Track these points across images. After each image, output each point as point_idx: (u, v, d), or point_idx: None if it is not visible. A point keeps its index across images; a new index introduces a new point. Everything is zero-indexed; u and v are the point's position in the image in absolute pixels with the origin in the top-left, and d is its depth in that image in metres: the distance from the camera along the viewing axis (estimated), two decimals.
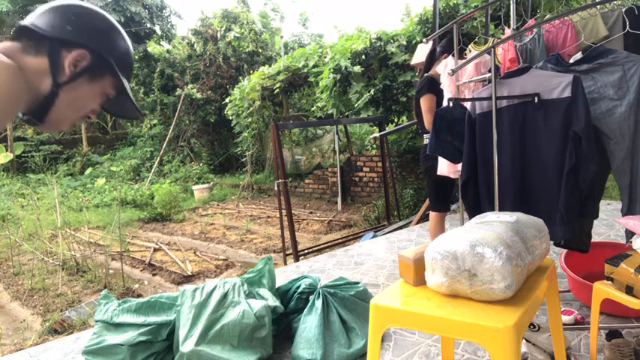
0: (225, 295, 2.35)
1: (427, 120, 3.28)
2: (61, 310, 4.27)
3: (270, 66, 10.88)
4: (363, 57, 7.47)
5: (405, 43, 7.06)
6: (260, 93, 10.50)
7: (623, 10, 2.40)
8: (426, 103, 3.28)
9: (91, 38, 0.96)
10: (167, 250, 6.31)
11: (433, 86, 3.28)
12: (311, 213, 8.53)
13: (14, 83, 0.83)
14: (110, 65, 0.98)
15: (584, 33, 2.48)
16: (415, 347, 2.31)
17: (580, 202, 2.15)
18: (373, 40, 7.41)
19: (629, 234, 2.30)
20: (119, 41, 1.01)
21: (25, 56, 0.91)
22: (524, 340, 1.86)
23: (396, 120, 7.51)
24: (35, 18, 0.93)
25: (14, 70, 0.85)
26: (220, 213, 9.11)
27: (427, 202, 5.64)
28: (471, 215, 2.44)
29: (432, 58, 3.57)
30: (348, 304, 2.47)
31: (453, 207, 5.46)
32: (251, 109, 10.66)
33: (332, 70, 7.56)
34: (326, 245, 5.54)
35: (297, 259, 4.76)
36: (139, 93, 18.29)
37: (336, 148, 8.78)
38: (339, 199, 8.66)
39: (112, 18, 1.03)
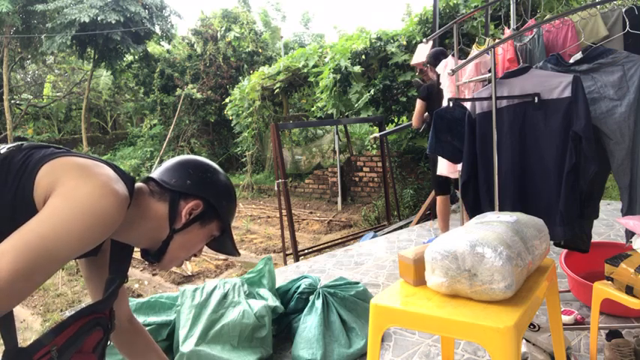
0: (225, 296, 2.35)
1: None
2: (61, 310, 4.27)
3: (270, 66, 10.88)
4: (363, 57, 7.47)
5: (405, 43, 7.06)
6: (260, 93, 10.50)
7: (623, 10, 2.40)
8: None
9: (206, 190, 1.11)
10: None
11: None
12: (311, 213, 8.53)
13: (123, 214, 0.96)
14: (218, 212, 1.13)
15: (584, 33, 2.48)
16: (415, 347, 2.31)
17: (580, 203, 2.14)
18: (373, 40, 7.41)
19: (629, 234, 2.29)
20: (226, 191, 1.17)
21: (149, 198, 1.09)
22: (524, 340, 1.86)
23: (396, 120, 7.50)
24: (162, 173, 1.12)
25: (127, 203, 0.98)
26: None
27: (427, 202, 5.64)
28: (471, 215, 2.44)
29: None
30: (348, 304, 2.47)
31: (453, 207, 5.46)
32: (251, 109, 10.65)
33: (332, 70, 7.56)
34: (326, 245, 5.54)
35: (297, 259, 4.76)
36: (139, 93, 18.30)
37: (336, 148, 8.78)
38: (339, 199, 8.66)
39: (220, 169, 1.19)
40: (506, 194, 2.31)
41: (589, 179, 2.08)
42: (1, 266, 0.79)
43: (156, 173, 1.13)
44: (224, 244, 1.20)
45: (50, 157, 0.95)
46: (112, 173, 0.98)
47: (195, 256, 1.19)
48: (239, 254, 1.31)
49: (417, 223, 5.43)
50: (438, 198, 4.06)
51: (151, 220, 1.07)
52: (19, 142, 1.00)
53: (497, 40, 2.61)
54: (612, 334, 2.00)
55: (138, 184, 1.11)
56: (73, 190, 0.89)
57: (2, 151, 0.95)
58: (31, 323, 4.10)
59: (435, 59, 3.85)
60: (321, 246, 5.55)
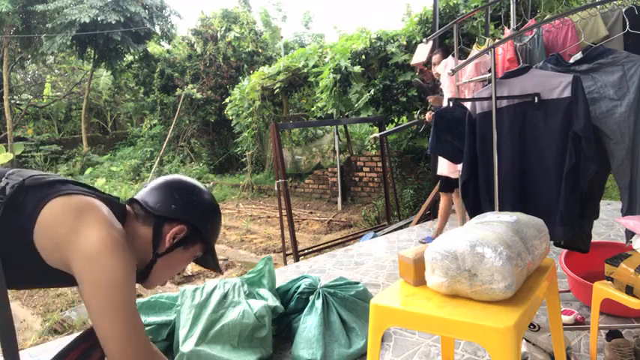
0: (225, 296, 2.35)
1: None
2: (61, 310, 4.27)
3: (270, 66, 10.87)
4: (363, 57, 7.47)
5: (405, 43, 7.06)
6: (260, 93, 10.49)
7: (623, 10, 2.40)
8: None
9: (190, 214, 1.12)
10: None
11: None
12: (311, 213, 8.53)
13: (127, 246, 1.01)
14: (202, 234, 1.14)
15: (584, 33, 2.48)
16: (415, 347, 2.31)
17: (580, 203, 2.14)
18: (373, 40, 7.41)
19: (629, 234, 2.29)
20: (211, 214, 1.17)
21: (134, 221, 1.10)
22: (524, 340, 1.86)
23: (396, 120, 7.50)
24: (146, 195, 1.12)
25: (124, 236, 1.02)
26: None
27: (427, 202, 5.64)
28: (471, 215, 2.44)
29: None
30: (348, 304, 2.47)
31: (453, 207, 5.46)
32: (251, 109, 10.65)
33: (332, 70, 7.55)
34: (326, 245, 5.53)
35: (297, 259, 4.76)
36: (139, 93, 18.30)
37: (336, 148, 8.78)
38: (339, 199, 8.66)
39: (205, 188, 1.19)
40: (506, 194, 2.31)
41: (589, 179, 2.08)
42: (118, 348, 0.93)
43: (140, 195, 1.14)
44: (207, 261, 1.23)
45: (47, 198, 0.99)
46: (105, 212, 1.02)
47: (178, 275, 1.21)
48: (222, 272, 1.36)
49: (417, 223, 5.43)
50: (446, 196, 4.07)
51: (135, 243, 1.09)
52: (21, 179, 1.02)
53: (497, 40, 2.61)
54: (612, 334, 2.00)
55: (126, 207, 1.13)
56: (88, 258, 0.95)
57: (7, 192, 0.98)
58: (31, 323, 4.10)
59: (445, 52, 3.88)
60: (321, 246, 5.55)
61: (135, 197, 1.14)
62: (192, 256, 1.17)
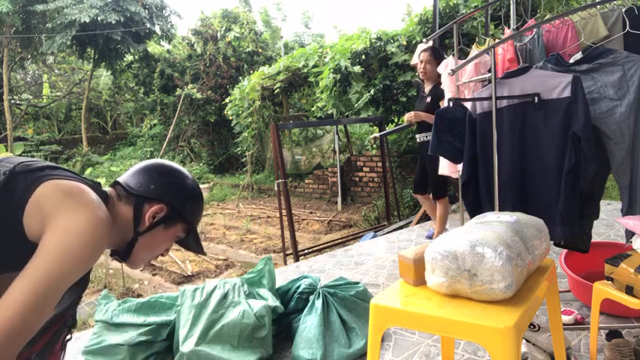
0: (225, 296, 2.35)
1: None
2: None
3: (270, 66, 10.87)
4: (363, 57, 7.47)
5: (405, 43, 7.06)
6: (260, 93, 10.49)
7: (623, 10, 2.40)
8: None
9: (169, 194, 1.16)
10: None
11: None
12: (311, 213, 8.53)
13: (109, 237, 1.04)
14: (182, 214, 1.18)
15: (584, 33, 2.48)
16: (415, 347, 2.31)
17: (580, 203, 2.14)
18: (373, 40, 7.41)
19: (629, 234, 2.29)
20: (192, 195, 1.21)
21: (117, 201, 1.14)
22: (524, 340, 1.86)
23: (396, 120, 7.50)
24: (128, 177, 1.17)
25: (110, 225, 1.04)
26: (220, 213, 9.11)
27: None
28: (471, 215, 2.44)
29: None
30: (348, 304, 2.47)
31: (453, 207, 5.46)
32: (251, 109, 10.65)
33: (332, 70, 7.55)
34: (326, 245, 5.53)
35: (297, 259, 4.76)
36: (139, 93, 18.31)
37: (336, 148, 8.78)
38: (339, 199, 8.66)
39: (188, 172, 1.23)
40: (506, 194, 2.31)
41: (589, 179, 2.08)
42: (15, 310, 0.87)
43: (123, 178, 1.18)
44: (189, 242, 1.26)
45: (39, 181, 1.00)
46: (95, 197, 1.04)
47: (162, 255, 1.25)
48: (205, 253, 1.35)
49: (417, 223, 5.43)
50: (441, 201, 4.03)
51: (117, 223, 1.12)
52: (12, 166, 1.03)
53: (497, 40, 2.61)
54: (612, 334, 2.00)
55: (107, 189, 1.16)
56: (67, 227, 0.96)
57: (0, 178, 0.99)
58: None
59: (436, 52, 3.87)
60: (321, 246, 5.55)
61: (118, 180, 1.18)
62: (174, 236, 1.21)
